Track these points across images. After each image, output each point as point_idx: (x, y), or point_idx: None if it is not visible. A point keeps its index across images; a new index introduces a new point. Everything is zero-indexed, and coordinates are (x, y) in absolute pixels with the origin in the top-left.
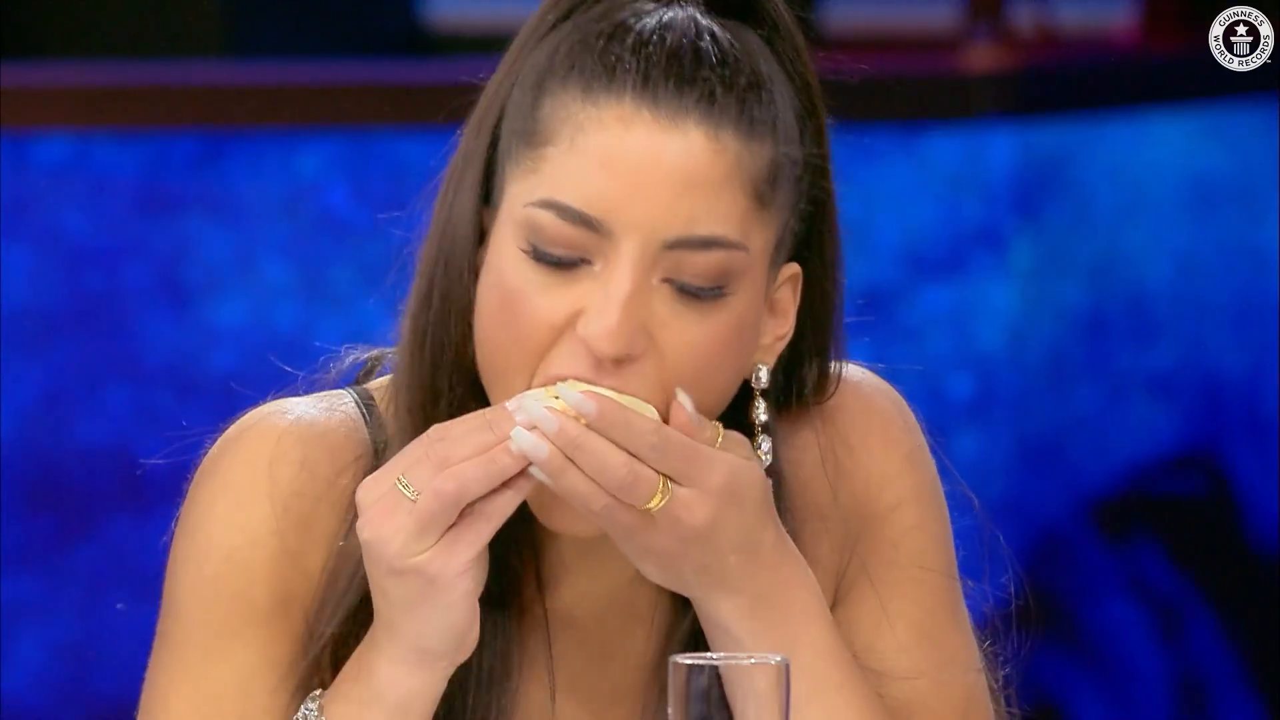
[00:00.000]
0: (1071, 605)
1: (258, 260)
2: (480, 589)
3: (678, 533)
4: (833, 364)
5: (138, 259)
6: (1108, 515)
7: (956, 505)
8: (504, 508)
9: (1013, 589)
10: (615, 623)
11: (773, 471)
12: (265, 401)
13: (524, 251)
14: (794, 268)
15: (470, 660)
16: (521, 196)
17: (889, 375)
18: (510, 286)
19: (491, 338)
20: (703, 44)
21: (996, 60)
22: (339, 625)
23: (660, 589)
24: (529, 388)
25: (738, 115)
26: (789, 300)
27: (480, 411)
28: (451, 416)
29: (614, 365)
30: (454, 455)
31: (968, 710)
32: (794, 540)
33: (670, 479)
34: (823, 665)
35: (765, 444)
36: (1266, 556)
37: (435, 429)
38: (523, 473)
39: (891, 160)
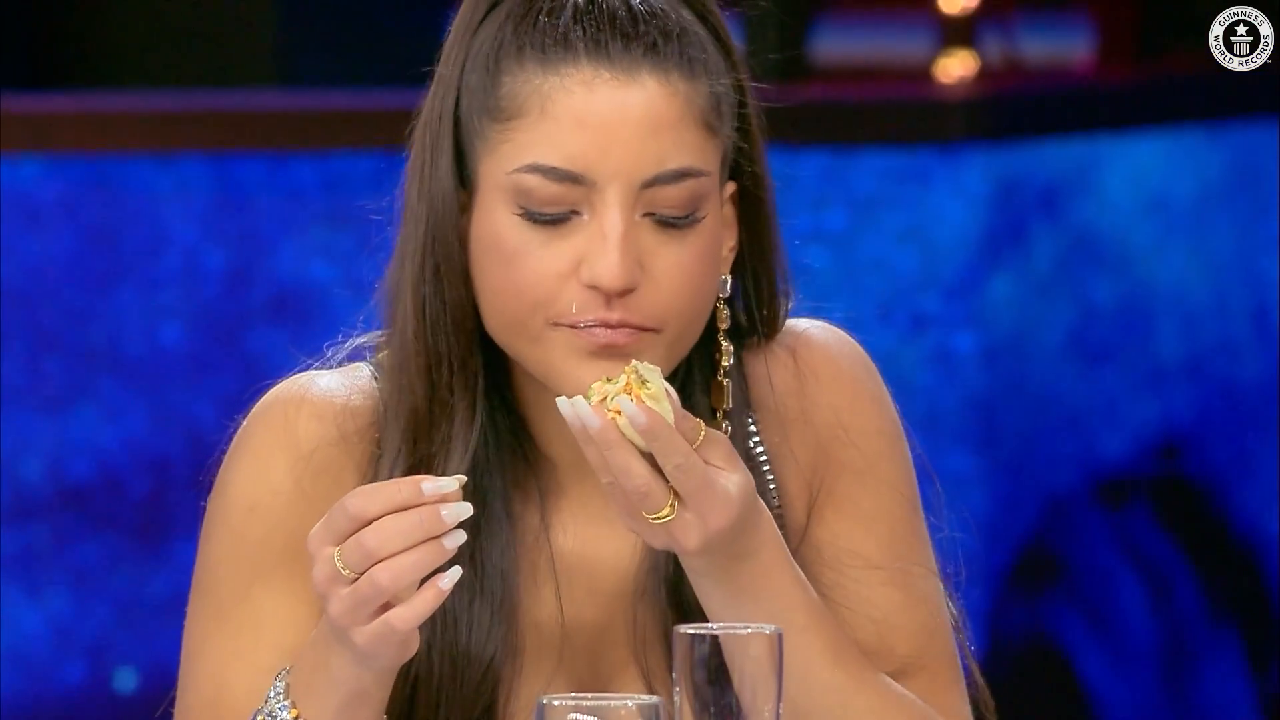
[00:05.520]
0: (1075, 564)
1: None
2: (413, 647)
3: (669, 544)
4: (781, 296)
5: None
6: (1110, 487)
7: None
8: (430, 604)
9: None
10: (612, 530)
11: (741, 378)
12: (288, 376)
13: (517, 215)
14: (731, 185)
15: (476, 574)
16: (503, 166)
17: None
18: (511, 248)
19: (500, 294)
20: (632, 3)
21: (969, 88)
22: None
23: None
24: (543, 332)
25: (679, 59)
26: (732, 214)
27: (408, 513)
28: (454, 377)
29: (619, 298)
30: (384, 549)
31: (933, 629)
32: (778, 450)
33: (679, 498)
34: (790, 614)
35: (726, 418)
36: (1246, 531)
37: (352, 502)
38: (435, 577)
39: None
